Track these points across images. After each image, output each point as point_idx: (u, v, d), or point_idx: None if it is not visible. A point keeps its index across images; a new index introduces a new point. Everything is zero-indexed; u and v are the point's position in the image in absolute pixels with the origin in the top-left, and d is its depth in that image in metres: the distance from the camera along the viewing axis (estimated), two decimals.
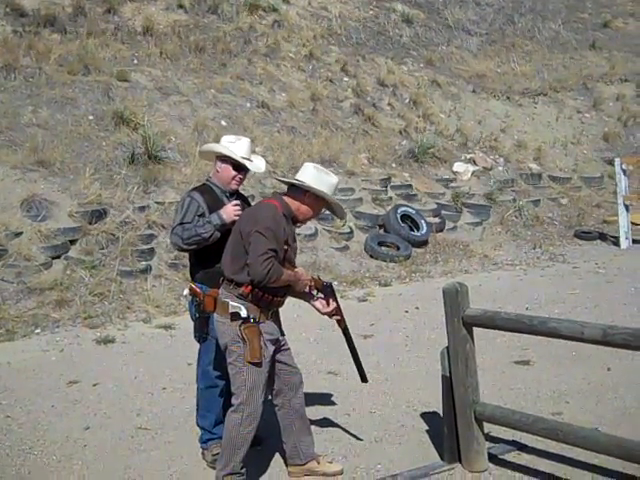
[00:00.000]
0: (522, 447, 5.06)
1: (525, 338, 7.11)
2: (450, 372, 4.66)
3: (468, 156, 15.35)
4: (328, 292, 4.95)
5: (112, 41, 13.98)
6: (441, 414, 5.56)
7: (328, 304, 4.92)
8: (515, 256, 12.86)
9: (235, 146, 5.20)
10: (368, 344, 8.06)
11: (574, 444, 4.15)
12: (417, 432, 5.54)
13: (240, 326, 4.53)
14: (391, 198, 13.32)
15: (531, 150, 16.31)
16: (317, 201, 4.71)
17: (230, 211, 4.99)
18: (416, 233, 12.59)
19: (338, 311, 4.98)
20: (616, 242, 13.65)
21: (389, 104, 16.08)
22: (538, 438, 4.78)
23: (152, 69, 13.80)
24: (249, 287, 4.52)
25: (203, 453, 5.31)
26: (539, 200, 14.95)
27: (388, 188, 13.56)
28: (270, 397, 4.84)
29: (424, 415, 5.84)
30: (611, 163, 16.06)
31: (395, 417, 5.87)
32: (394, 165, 14.29)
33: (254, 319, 4.55)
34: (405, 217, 12.72)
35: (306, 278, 4.78)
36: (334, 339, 8.18)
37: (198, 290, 5.01)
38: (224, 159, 5.18)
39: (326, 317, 5.04)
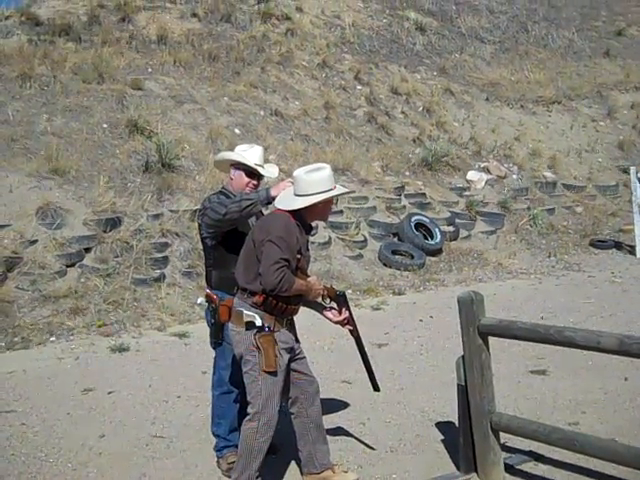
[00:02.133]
0: (539, 457, 5.02)
1: (540, 347, 7.06)
2: (466, 381, 4.62)
3: (482, 165, 15.33)
4: (341, 301, 4.93)
5: (126, 50, 14.08)
6: (457, 424, 5.56)
7: (340, 313, 4.91)
8: (529, 265, 12.82)
9: (248, 154, 5.24)
10: (382, 353, 8.05)
11: (592, 455, 4.12)
12: (433, 442, 5.51)
13: (255, 335, 4.52)
14: (405, 207, 13.30)
15: (545, 158, 16.26)
16: (325, 203, 4.67)
17: (281, 186, 4.87)
18: (430, 242, 12.57)
19: (350, 320, 4.97)
20: (632, 251, 13.58)
21: (402, 112, 16.09)
22: (555, 448, 4.75)
23: (166, 77, 13.87)
24: (262, 296, 4.50)
25: (218, 461, 5.29)
26: (554, 209, 14.90)
27: (402, 196, 13.54)
28: (285, 405, 4.82)
29: (439, 425, 5.81)
30: (626, 171, 16.00)
31: (410, 427, 5.84)
32: (408, 173, 14.27)
33: (269, 328, 4.53)
34: (419, 225, 12.70)
35: (319, 287, 4.76)
36: (348, 348, 8.16)
37: (214, 296, 5.02)
38: (237, 166, 5.21)
39: (339, 326, 5.02)
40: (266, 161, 5.47)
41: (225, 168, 5.50)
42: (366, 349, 5.14)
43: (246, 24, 16.27)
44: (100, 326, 9.02)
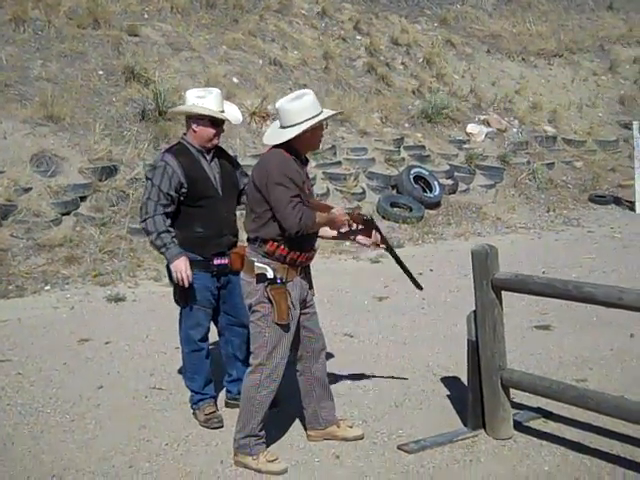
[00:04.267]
0: (547, 415, 4.93)
1: (544, 302, 6.99)
2: (477, 337, 4.50)
3: (482, 117, 15.12)
4: (369, 224, 4.68)
5: None
6: (461, 379, 5.49)
7: (370, 236, 4.67)
8: (529, 219, 12.72)
9: (207, 101, 4.93)
10: (383, 306, 7.97)
11: (606, 413, 4.02)
12: (438, 397, 5.41)
13: (267, 287, 4.35)
14: (404, 159, 13.11)
15: (546, 112, 16.05)
16: (313, 130, 4.40)
17: (178, 269, 4.83)
18: (429, 194, 12.42)
19: (382, 240, 4.76)
20: (631, 207, 13.48)
21: (402, 63, 15.82)
22: (563, 405, 4.66)
23: (163, 24, 13.54)
24: (274, 244, 4.33)
25: (195, 413, 5.21)
26: (553, 163, 14.75)
27: (401, 148, 13.36)
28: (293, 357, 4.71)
29: (444, 380, 5.72)
30: (627, 127, 15.85)
31: (415, 381, 5.74)
32: (407, 125, 14.07)
33: (281, 279, 4.36)
34: (418, 178, 12.54)
35: (342, 217, 4.52)
36: (348, 301, 8.13)
37: None
38: (200, 118, 4.92)
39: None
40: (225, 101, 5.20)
41: (179, 116, 5.23)
42: (399, 257, 4.92)
43: None
44: (95, 276, 8.91)
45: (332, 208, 4.58)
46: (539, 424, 4.85)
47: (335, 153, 12.41)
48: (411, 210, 11.98)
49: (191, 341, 5.14)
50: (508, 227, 12.23)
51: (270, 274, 4.34)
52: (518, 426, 4.73)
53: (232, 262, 4.67)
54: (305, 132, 4.32)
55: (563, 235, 11.82)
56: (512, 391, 4.68)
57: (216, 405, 5.23)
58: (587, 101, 16.98)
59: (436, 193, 12.46)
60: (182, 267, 4.83)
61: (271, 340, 4.40)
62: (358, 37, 15.93)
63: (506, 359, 4.54)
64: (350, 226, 4.62)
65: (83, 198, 9.88)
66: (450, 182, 13.02)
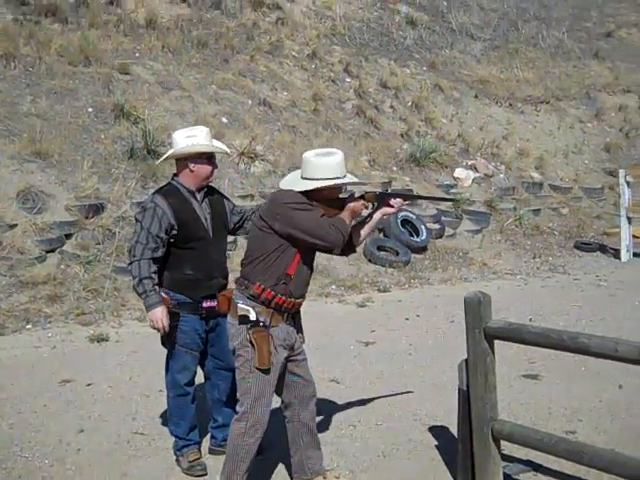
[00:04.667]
0: (537, 467, 4.85)
1: (532, 351, 6.91)
2: (468, 386, 4.43)
3: (469, 162, 15.20)
4: (384, 197, 4.61)
5: (114, 33, 13.74)
6: (450, 428, 5.41)
7: (391, 205, 4.58)
8: (515, 265, 12.70)
9: (201, 139, 4.92)
10: (370, 351, 7.89)
11: (599, 468, 3.94)
12: (426, 447, 5.32)
13: (249, 330, 4.27)
14: None
15: (533, 158, 16.16)
16: (330, 190, 4.37)
17: (155, 319, 4.80)
18: (416, 239, 12.40)
19: (405, 198, 4.74)
20: (616, 254, 13.50)
21: (391, 107, 15.91)
22: (553, 458, 4.58)
23: (154, 63, 13.58)
24: (261, 287, 4.26)
25: (178, 460, 5.10)
26: (539, 209, 14.81)
27: (389, 192, 13.36)
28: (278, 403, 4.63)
29: (433, 429, 5.63)
30: (612, 174, 15.99)
31: (403, 430, 5.65)
32: (395, 169, 14.11)
33: (264, 323, 4.28)
34: (405, 222, 12.53)
35: (357, 203, 4.46)
36: (334, 345, 8.04)
37: (165, 296, 4.84)
38: (198, 156, 4.89)
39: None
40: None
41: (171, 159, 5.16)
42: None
43: (236, 12, 15.98)
44: (79, 315, 8.79)
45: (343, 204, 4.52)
46: (529, 477, 4.78)
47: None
48: (398, 254, 11.94)
49: (177, 385, 5.04)
50: (494, 273, 12.20)
51: (252, 316, 4.27)
52: (508, 479, 4.65)
53: (219, 304, 4.71)
54: (322, 189, 4.28)
55: (549, 282, 11.80)
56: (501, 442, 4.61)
57: (200, 452, 5.13)
58: (573, 148, 17.12)
59: (423, 237, 12.44)
60: (158, 317, 4.79)
61: (255, 386, 4.31)
62: (347, 79, 16.03)
63: (497, 410, 4.47)
64: (367, 207, 4.58)
65: (69, 236, 9.80)
66: (437, 226, 13.03)
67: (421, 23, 19.14)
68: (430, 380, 6.85)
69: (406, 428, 5.70)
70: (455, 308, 8.98)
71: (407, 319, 9.28)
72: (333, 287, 10.59)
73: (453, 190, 14.18)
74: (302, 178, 4.36)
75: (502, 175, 15.35)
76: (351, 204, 4.43)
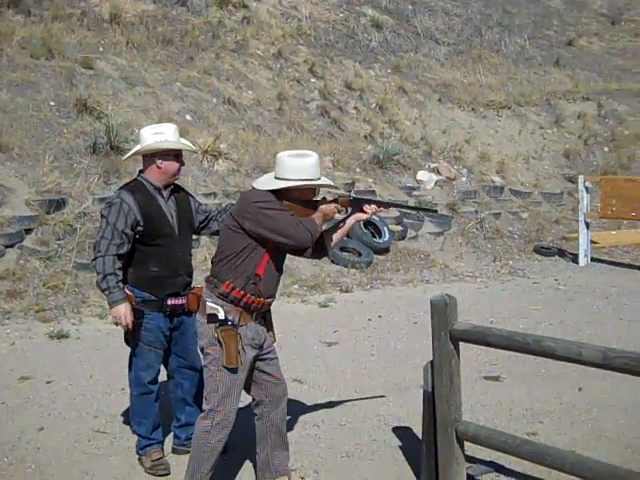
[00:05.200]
0: (500, 468, 4.90)
1: (493, 352, 6.98)
2: (433, 388, 4.46)
3: (432, 165, 15.29)
4: (358, 202, 4.60)
5: (77, 27, 13.56)
6: (413, 429, 5.44)
7: (365, 211, 4.54)
8: (475, 268, 12.80)
9: (169, 136, 4.88)
10: (333, 352, 7.90)
11: (562, 470, 3.99)
12: (390, 448, 5.34)
13: (217, 328, 4.25)
14: None
15: (494, 163, 16.30)
16: (301, 191, 4.36)
17: (118, 315, 4.76)
18: (378, 240, 12.44)
19: (379, 204, 4.66)
20: (575, 259, 13.68)
21: (355, 108, 15.95)
22: (516, 459, 4.63)
23: (118, 58, 13.44)
24: (230, 286, 4.25)
25: (141, 459, 5.06)
26: (500, 213, 14.94)
27: (352, 193, 13.38)
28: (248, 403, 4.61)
29: (396, 430, 5.65)
30: (571, 180, 16.23)
31: (366, 431, 5.66)
32: (358, 170, 14.14)
33: (232, 322, 4.26)
34: (368, 223, 12.54)
35: (331, 206, 4.45)
36: (297, 345, 8.02)
37: (129, 293, 4.81)
38: (166, 153, 4.86)
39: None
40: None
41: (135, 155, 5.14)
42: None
43: (202, 9, 15.87)
44: (38, 311, 8.67)
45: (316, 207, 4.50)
46: (492, 478, 4.82)
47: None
48: (360, 255, 11.97)
49: (141, 383, 5.00)
50: (455, 275, 12.28)
51: (221, 315, 4.25)
52: None
53: (189, 302, 4.74)
54: (294, 190, 4.28)
55: (509, 285, 11.91)
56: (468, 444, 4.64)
57: (163, 451, 5.09)
58: (533, 153, 17.31)
59: (385, 239, 12.49)
60: (122, 313, 4.75)
61: (223, 385, 4.29)
62: (312, 80, 16.03)
63: (461, 411, 4.50)
64: (341, 211, 4.55)
65: (28, 231, 9.65)
66: (399, 228, 13.08)
67: (386, 26, 19.21)
68: (393, 381, 6.87)
69: (370, 429, 5.72)
70: (417, 309, 9.09)
71: (369, 320, 9.30)
72: (295, 287, 10.58)
73: (415, 192, 14.25)
74: (275, 178, 4.34)
75: (464, 178, 15.47)
76: (323, 206, 4.41)
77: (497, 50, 20.95)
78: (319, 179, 4.38)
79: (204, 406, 4.38)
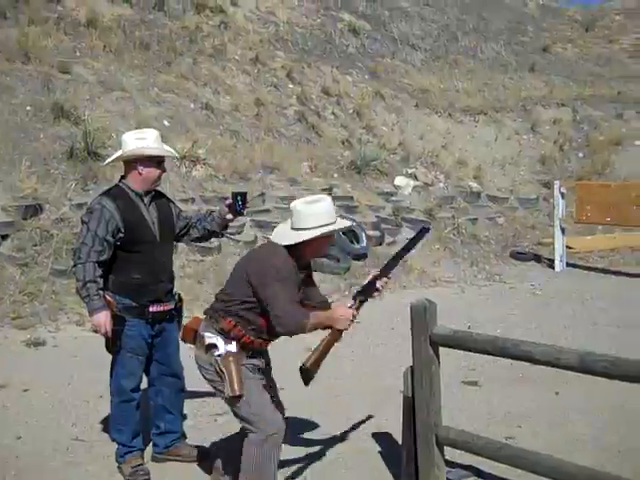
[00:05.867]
0: (479, 473, 4.94)
1: (471, 357, 7.02)
2: (413, 393, 4.48)
3: (410, 171, 15.35)
4: (373, 286, 4.52)
5: (54, 31, 13.48)
6: (393, 435, 5.46)
7: (377, 290, 4.52)
8: (453, 273, 12.86)
9: (150, 142, 4.85)
10: None
11: (540, 474, 4.03)
12: (370, 455, 5.36)
13: (216, 357, 4.20)
14: None
15: (471, 168, 16.40)
16: (322, 238, 4.27)
17: (98, 324, 4.73)
18: (356, 246, 12.47)
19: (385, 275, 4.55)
20: (551, 264, 13.78)
21: (333, 113, 15.99)
22: (494, 463, 4.65)
23: (95, 62, 13.37)
24: (232, 322, 4.20)
25: (120, 467, 5.02)
26: (477, 219, 15.02)
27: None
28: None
29: (376, 436, 5.68)
30: (546, 186, 16.34)
31: (347, 438, 5.69)
32: (336, 175, 14.17)
33: (231, 351, 4.23)
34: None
35: (346, 313, 4.37)
36: (281, 352, 7.98)
37: (110, 300, 4.78)
38: (148, 159, 4.83)
39: None
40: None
41: (117, 160, 5.09)
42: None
43: (179, 14, 15.89)
44: (15, 318, 8.59)
45: (330, 307, 4.49)
46: None
47: (264, 201, 12.39)
48: (338, 261, 11.99)
49: (123, 391, 4.97)
50: (433, 280, 12.34)
51: (220, 346, 4.21)
52: None
53: (184, 334, 4.56)
54: (315, 239, 4.19)
55: (485, 290, 11.99)
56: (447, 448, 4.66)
57: (143, 458, 5.08)
58: (510, 159, 17.43)
59: (363, 244, 12.52)
60: (102, 321, 4.72)
61: (249, 409, 4.22)
62: (290, 85, 16.05)
63: (441, 416, 4.53)
64: (354, 319, 4.44)
65: (5, 237, 9.55)
66: (377, 234, 13.12)
67: (363, 31, 19.31)
68: (373, 387, 6.89)
69: (350, 435, 5.74)
70: (395, 315, 9.11)
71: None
72: None
73: (393, 198, 14.31)
74: (293, 229, 4.25)
75: (441, 184, 15.54)
76: (338, 313, 4.37)
77: (473, 56, 21.13)
78: (336, 221, 4.30)
79: (250, 435, 4.25)
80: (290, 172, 13.34)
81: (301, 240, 4.17)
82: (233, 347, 4.21)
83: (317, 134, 15.05)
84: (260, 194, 12.32)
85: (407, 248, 4.64)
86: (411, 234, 13.47)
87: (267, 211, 12.27)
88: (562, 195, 13.82)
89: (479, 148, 17.32)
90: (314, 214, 4.19)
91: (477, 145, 17.41)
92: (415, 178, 15.14)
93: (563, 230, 13.74)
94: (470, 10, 23.11)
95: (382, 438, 5.61)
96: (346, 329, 4.40)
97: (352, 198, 13.62)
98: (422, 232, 4.71)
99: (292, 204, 4.34)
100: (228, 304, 4.24)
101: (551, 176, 16.71)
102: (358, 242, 12.52)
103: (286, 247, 4.20)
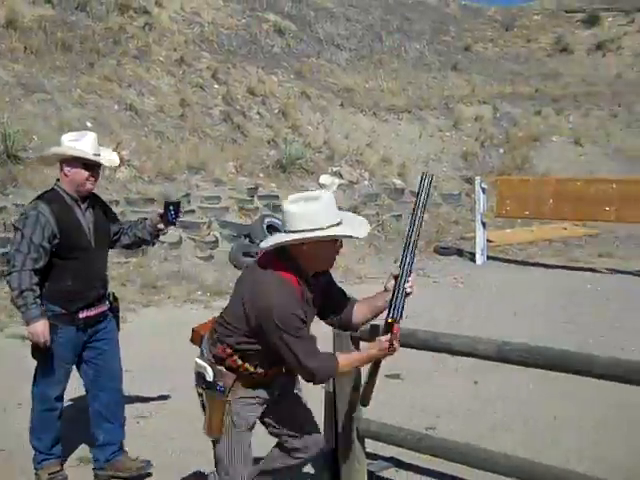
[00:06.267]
0: (400, 464, 5.09)
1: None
2: (334, 387, 4.60)
3: (335, 169, 15.56)
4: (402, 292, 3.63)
5: None
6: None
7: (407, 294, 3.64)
8: (378, 270, 13.03)
9: (81, 144, 4.66)
10: None
11: (460, 462, 4.18)
12: None
13: (204, 391, 3.63)
14: (257, 208, 13.33)
15: (395, 166, 16.70)
16: (321, 243, 3.47)
17: (35, 333, 4.54)
18: None
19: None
20: (472, 258, 14.13)
21: (258, 113, 16.10)
22: (416, 454, 4.78)
23: (15, 64, 13.19)
24: (227, 350, 3.56)
25: (37, 474, 4.86)
26: (401, 215, 15.30)
27: (255, 198, 13.54)
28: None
29: None
30: (468, 181, 16.75)
31: (265, 433, 5.72)
32: (261, 175, 14.28)
33: (222, 390, 3.58)
34: (271, 227, 12.68)
35: (382, 348, 3.58)
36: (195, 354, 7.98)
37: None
38: (72, 161, 4.65)
39: None
40: (101, 147, 4.91)
41: (52, 162, 4.98)
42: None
43: (102, 14, 15.76)
44: None
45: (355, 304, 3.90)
46: (391, 473, 5.00)
47: (189, 201, 12.42)
48: None
49: (46, 399, 4.81)
50: (358, 277, 12.51)
51: (209, 376, 3.59)
52: (371, 476, 4.85)
53: (193, 337, 3.95)
54: (307, 243, 3.43)
55: None
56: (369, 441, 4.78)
57: (62, 466, 4.94)
58: (433, 156, 17.81)
59: None
60: (39, 331, 4.53)
61: (222, 450, 3.71)
62: (215, 86, 16.10)
63: (362, 409, 4.63)
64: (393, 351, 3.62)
65: None
66: None
67: (289, 32, 19.45)
68: None
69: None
70: None
71: None
72: (199, 293, 10.64)
73: None
74: (284, 232, 3.50)
75: (366, 182, 15.79)
76: (378, 347, 3.60)
77: (397, 55, 21.46)
78: (339, 224, 3.48)
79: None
80: (216, 172, 13.40)
81: (283, 242, 3.45)
82: (227, 381, 3.59)
83: (243, 134, 15.13)
84: (185, 194, 12.34)
85: (421, 206, 3.64)
86: None
87: (192, 211, 12.32)
88: (483, 190, 14.20)
89: (403, 146, 17.63)
90: (305, 214, 3.41)
91: (401, 143, 17.71)
92: (340, 176, 15.35)
93: (484, 224, 14.12)
94: (394, 10, 23.46)
95: None
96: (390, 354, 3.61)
97: (277, 197, 13.74)
98: (424, 179, 3.64)
99: (283, 203, 3.57)
100: (227, 332, 3.59)
101: (473, 172, 17.16)
102: None
103: (280, 262, 3.51)
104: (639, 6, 24.77)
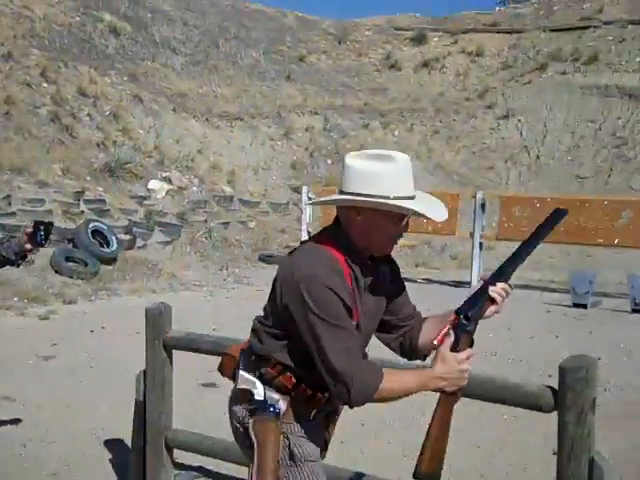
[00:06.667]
0: (208, 473, 5.23)
1: (211, 360, 7.33)
2: (144, 397, 4.65)
3: (164, 174, 15.60)
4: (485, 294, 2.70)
5: None
6: (125, 440, 5.57)
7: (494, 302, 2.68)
8: (202, 277, 13.22)
9: None
10: (49, 366, 7.86)
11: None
12: (101, 462, 5.46)
13: (250, 415, 2.76)
14: (83, 212, 13.18)
15: (225, 173, 16.93)
16: (383, 214, 2.61)
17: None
18: (105, 249, 12.52)
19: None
20: None
21: (88, 115, 15.88)
22: (225, 463, 4.82)
23: None
24: (277, 367, 2.69)
25: None
26: (229, 222, 15.55)
27: (81, 202, 13.38)
28: None
29: (108, 443, 5.79)
30: (297, 191, 17.23)
31: (77, 447, 5.75)
32: (89, 178, 14.12)
33: (274, 410, 2.68)
34: (96, 233, 12.59)
35: (457, 365, 2.57)
36: (11, 361, 7.80)
37: None
38: None
39: None
40: None
41: None
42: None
43: None
44: None
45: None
46: None
47: (10, 203, 12.12)
48: (86, 265, 11.97)
49: None
50: (182, 284, 12.63)
51: (259, 394, 2.70)
52: None
53: (224, 367, 3.03)
54: (362, 213, 2.64)
55: (234, 293, 12.44)
56: (178, 451, 4.90)
57: None
58: (263, 164, 18.17)
59: (113, 248, 12.59)
60: None
61: None
62: (44, 84, 15.73)
63: (172, 419, 4.71)
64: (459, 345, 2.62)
65: None
66: (128, 237, 13.25)
67: (124, 33, 19.25)
68: (110, 394, 6.96)
69: (81, 444, 5.79)
70: (141, 320, 9.24)
71: (92, 331, 9.38)
72: (15, 299, 10.40)
73: (146, 202, 14.49)
74: (341, 192, 2.69)
75: (195, 188, 15.92)
76: (442, 370, 2.57)
77: (233, 62, 21.67)
78: (413, 197, 2.65)
79: None
80: (40, 174, 13.12)
81: (331, 200, 2.78)
82: (281, 405, 2.69)
83: (71, 135, 14.89)
84: (6, 196, 12.03)
85: (539, 235, 2.73)
86: (162, 238, 13.83)
87: (13, 214, 12.01)
88: (310, 199, 14.64)
89: (234, 153, 17.88)
90: (374, 173, 2.59)
91: (232, 150, 17.96)
92: (169, 182, 15.41)
93: (309, 234, 14.56)
94: (232, 17, 23.63)
95: (114, 444, 5.72)
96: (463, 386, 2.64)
97: (104, 201, 13.66)
98: (558, 215, 2.74)
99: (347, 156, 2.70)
100: (268, 336, 2.74)
101: (301, 181, 17.60)
102: (108, 246, 12.57)
103: (329, 237, 2.73)
104: (463, 29, 26.17)
